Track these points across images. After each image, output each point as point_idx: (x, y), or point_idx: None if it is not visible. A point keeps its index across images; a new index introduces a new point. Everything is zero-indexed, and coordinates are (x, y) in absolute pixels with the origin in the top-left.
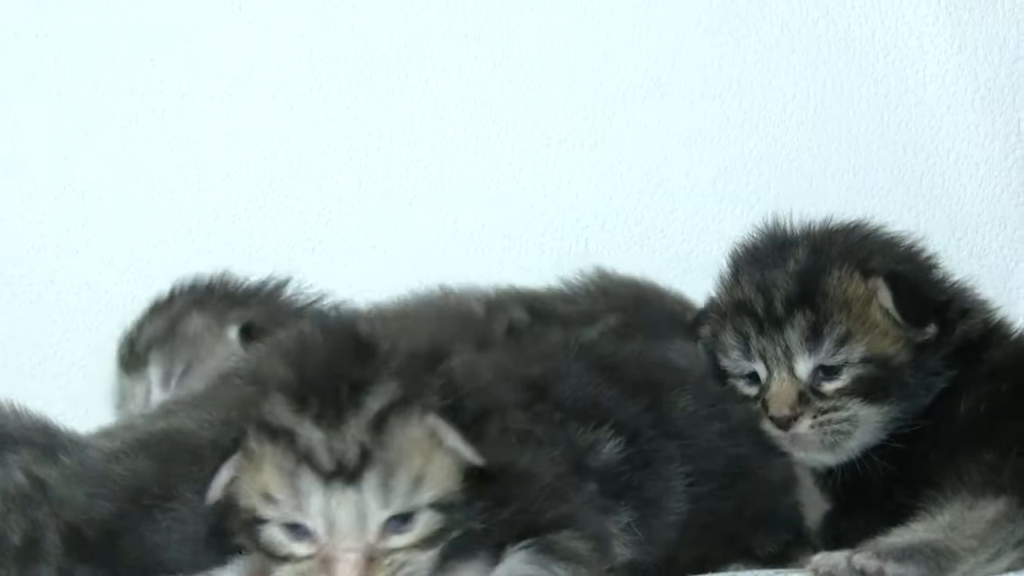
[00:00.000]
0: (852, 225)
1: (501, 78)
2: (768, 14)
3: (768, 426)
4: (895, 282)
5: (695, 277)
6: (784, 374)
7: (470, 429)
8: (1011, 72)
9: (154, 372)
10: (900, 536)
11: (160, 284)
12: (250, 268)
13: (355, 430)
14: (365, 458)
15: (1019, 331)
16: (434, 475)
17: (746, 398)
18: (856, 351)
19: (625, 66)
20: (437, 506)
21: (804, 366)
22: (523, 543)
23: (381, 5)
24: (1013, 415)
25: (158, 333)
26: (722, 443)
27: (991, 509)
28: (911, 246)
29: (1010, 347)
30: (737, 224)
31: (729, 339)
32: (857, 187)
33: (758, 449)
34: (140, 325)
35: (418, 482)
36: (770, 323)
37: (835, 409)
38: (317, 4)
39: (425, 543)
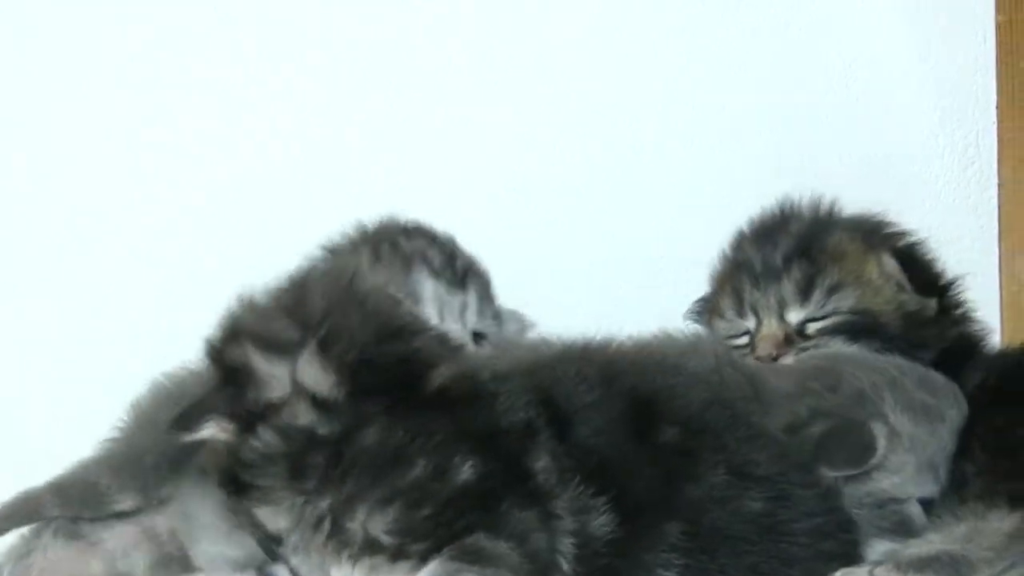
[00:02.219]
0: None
1: (468, 86)
2: (731, 24)
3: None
4: (903, 251)
5: (662, 287)
6: (774, 321)
7: None
8: (969, 86)
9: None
10: (918, 547)
11: (113, 301)
12: (203, 286)
13: None
14: None
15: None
16: None
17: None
18: (845, 302)
19: (589, 73)
20: None
21: (795, 316)
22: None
23: (343, 14)
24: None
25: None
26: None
27: (1007, 522)
28: (914, 235)
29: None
30: (703, 235)
31: (725, 300)
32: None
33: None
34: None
35: None
36: (766, 277)
37: (816, 347)
38: (272, 14)
39: None
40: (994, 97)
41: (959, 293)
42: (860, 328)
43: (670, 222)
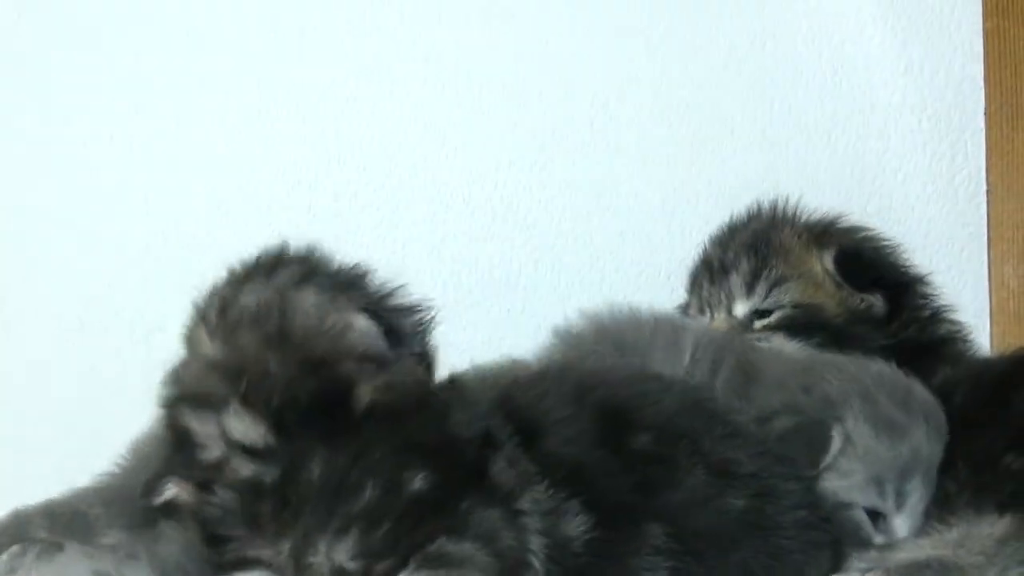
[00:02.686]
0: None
1: (450, 102)
2: (715, 36)
3: None
4: (847, 248)
5: (644, 300)
6: (722, 314)
7: None
8: (957, 93)
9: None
10: (908, 552)
11: (110, 308)
12: (201, 292)
13: None
14: None
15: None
16: None
17: None
18: (788, 295)
19: (573, 89)
20: None
21: (741, 308)
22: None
23: (329, 30)
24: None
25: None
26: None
27: (998, 527)
28: (874, 232)
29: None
30: (686, 246)
31: (692, 299)
32: (805, 207)
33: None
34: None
35: None
36: (720, 273)
37: (759, 340)
38: (265, 28)
39: None
40: (982, 104)
41: (924, 292)
42: (803, 322)
43: (652, 232)
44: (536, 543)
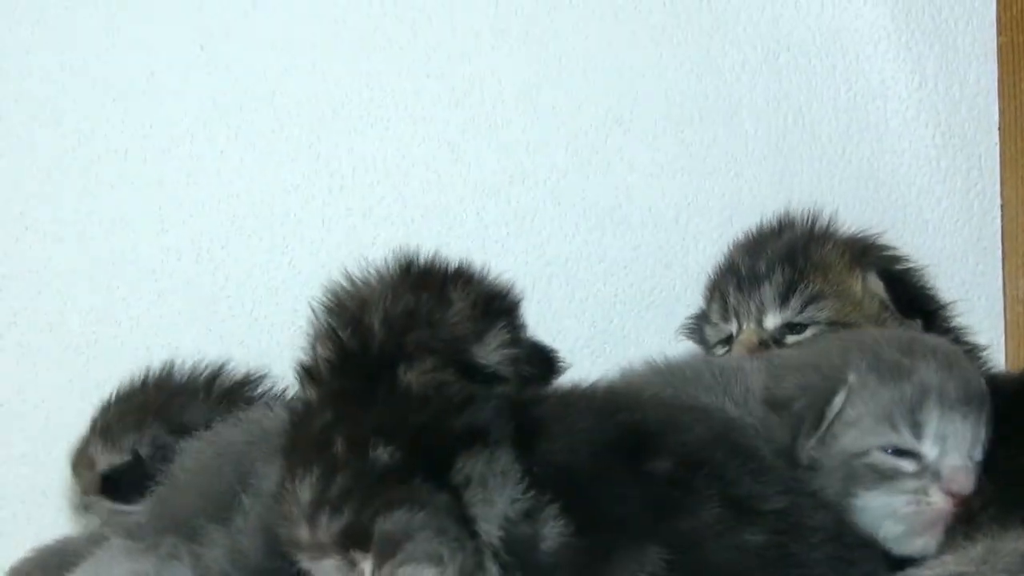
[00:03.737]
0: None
1: (463, 116)
2: (729, 49)
3: None
4: (890, 272)
5: (659, 313)
6: (752, 325)
7: None
8: (971, 107)
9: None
10: (931, 569)
11: (122, 324)
12: (213, 308)
13: None
14: None
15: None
16: None
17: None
18: (823, 312)
19: (586, 103)
20: None
21: (772, 320)
22: None
23: (342, 45)
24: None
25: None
26: None
27: (1023, 542)
28: (909, 260)
29: None
30: (700, 259)
31: (713, 306)
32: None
33: None
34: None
35: None
36: (750, 282)
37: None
38: (278, 43)
39: None
40: (996, 118)
41: (950, 318)
42: None
43: (666, 246)
44: (492, 537)
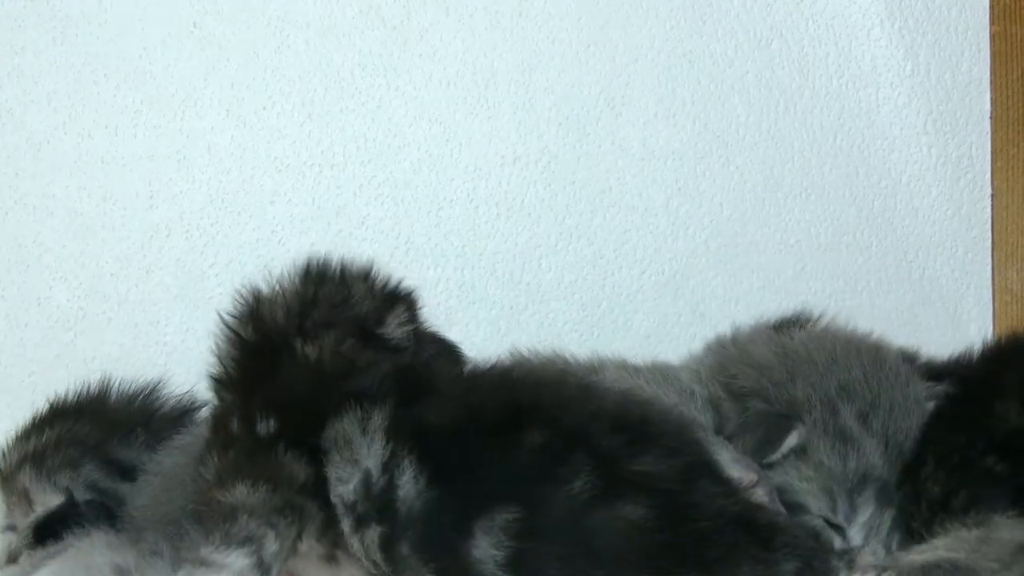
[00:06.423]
0: None
1: (455, 98)
2: (721, 35)
3: None
4: None
5: (648, 298)
6: None
7: None
8: (963, 96)
9: None
10: (921, 553)
11: (111, 300)
12: (201, 286)
13: None
14: None
15: None
16: None
17: None
18: None
19: (578, 86)
20: None
21: None
22: None
23: (335, 24)
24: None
25: None
26: None
27: (1019, 532)
28: None
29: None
30: (690, 244)
31: None
32: (810, 208)
33: None
34: None
35: None
36: None
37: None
38: (271, 22)
39: None
40: (988, 107)
41: None
42: None
43: (656, 230)
44: (347, 494)
